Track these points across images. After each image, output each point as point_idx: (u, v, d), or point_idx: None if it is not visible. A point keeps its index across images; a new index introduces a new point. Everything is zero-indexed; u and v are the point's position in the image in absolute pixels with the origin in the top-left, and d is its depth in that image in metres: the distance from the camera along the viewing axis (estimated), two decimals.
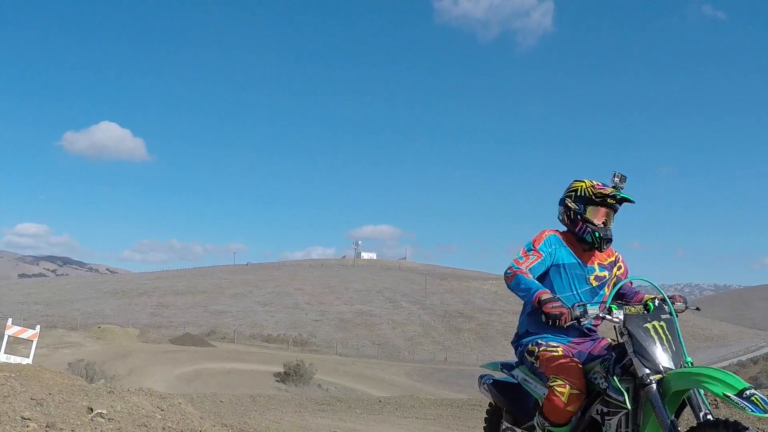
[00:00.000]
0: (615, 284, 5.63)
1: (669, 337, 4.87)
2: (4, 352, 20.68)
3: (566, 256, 5.67)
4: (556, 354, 5.34)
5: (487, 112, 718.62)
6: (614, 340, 5.28)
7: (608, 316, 4.97)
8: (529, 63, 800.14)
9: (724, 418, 4.54)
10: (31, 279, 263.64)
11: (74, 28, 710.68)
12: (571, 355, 5.38)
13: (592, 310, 4.95)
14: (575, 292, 5.59)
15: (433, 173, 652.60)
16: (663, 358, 4.75)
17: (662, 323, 4.93)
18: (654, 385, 4.62)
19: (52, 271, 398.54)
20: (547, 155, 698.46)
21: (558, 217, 5.86)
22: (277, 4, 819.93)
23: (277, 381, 50.82)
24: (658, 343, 4.81)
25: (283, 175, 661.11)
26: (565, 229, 5.80)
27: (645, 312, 5.05)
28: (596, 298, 5.63)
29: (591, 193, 5.58)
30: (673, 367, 4.70)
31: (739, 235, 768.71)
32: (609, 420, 4.96)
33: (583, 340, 5.66)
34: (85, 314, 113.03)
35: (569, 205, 5.70)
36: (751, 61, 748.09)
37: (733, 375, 4.60)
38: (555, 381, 5.10)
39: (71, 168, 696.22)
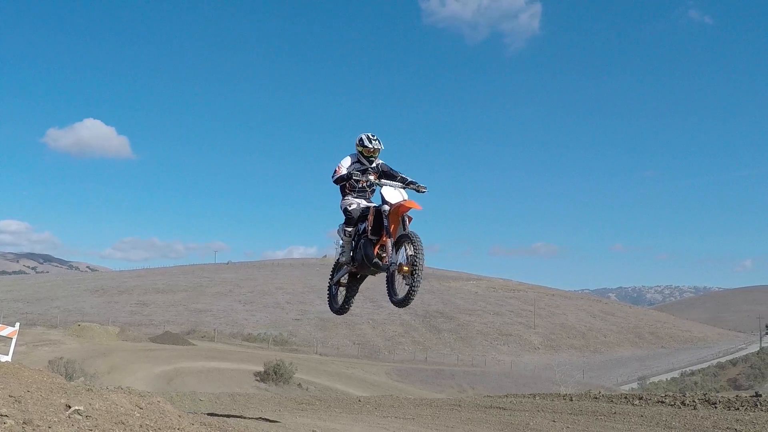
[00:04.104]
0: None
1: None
2: None
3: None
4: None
5: (474, 112, 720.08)
6: None
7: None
8: (516, 65, 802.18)
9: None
10: (11, 276, 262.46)
11: (60, 26, 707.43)
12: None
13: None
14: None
15: (418, 173, 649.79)
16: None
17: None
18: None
19: (33, 268, 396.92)
20: (533, 156, 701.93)
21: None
22: (263, 4, 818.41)
23: (257, 380, 50.84)
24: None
25: (265, 174, 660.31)
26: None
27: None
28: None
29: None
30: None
31: (720, 238, 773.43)
32: None
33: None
34: (65, 312, 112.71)
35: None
36: (738, 66, 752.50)
37: None
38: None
39: (54, 165, 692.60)
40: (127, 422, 6.86)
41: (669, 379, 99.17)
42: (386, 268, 10.42)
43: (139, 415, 7.43)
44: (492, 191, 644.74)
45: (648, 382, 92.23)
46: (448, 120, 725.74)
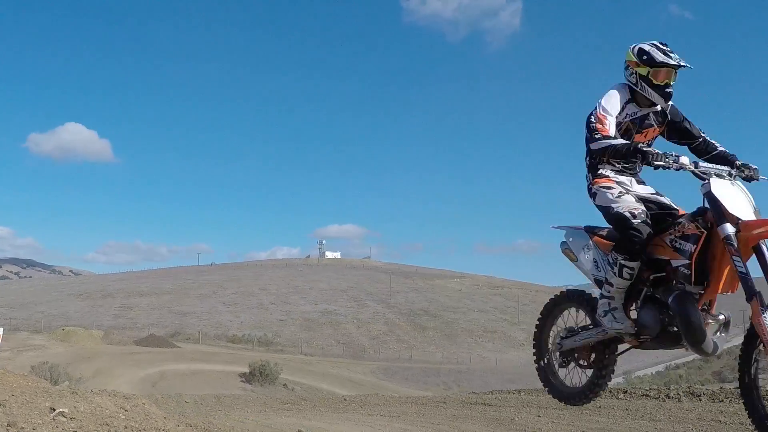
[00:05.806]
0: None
1: None
2: None
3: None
4: None
5: (456, 111, 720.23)
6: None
7: None
8: (498, 63, 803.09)
9: None
10: None
11: (39, 30, 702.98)
12: None
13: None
14: None
15: (400, 173, 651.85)
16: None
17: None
18: None
19: (16, 273, 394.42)
20: (516, 156, 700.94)
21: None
22: (242, 7, 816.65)
23: (243, 381, 50.81)
24: None
25: (247, 175, 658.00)
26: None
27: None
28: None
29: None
30: None
31: None
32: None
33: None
34: (49, 317, 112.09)
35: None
36: (718, 61, 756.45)
37: None
38: None
39: (36, 170, 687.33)
40: (112, 424, 6.86)
41: (654, 372, 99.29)
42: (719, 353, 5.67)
43: (124, 417, 7.43)
44: (475, 189, 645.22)
45: (633, 376, 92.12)
46: (430, 119, 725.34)
